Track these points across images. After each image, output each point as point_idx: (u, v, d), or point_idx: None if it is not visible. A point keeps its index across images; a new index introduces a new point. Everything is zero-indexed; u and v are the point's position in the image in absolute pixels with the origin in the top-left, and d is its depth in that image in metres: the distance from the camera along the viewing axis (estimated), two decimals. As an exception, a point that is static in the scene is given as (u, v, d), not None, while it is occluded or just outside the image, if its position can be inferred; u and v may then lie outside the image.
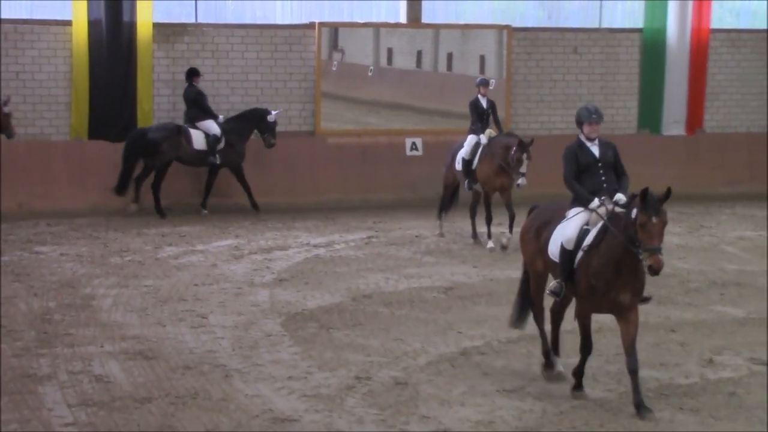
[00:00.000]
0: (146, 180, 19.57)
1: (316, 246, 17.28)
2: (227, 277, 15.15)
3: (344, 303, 13.82)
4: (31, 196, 19.44)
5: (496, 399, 10.34)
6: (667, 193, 9.54)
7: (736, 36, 23.17)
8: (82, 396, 10.26)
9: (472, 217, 18.07)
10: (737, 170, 22.70)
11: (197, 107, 19.67)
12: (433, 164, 21.09)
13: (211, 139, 19.49)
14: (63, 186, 19.61)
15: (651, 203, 9.46)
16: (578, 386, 10.29)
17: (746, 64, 23.18)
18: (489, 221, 17.37)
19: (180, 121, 19.77)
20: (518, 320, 11.50)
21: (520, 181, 16.74)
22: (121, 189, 19.44)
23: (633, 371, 9.93)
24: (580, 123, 10.44)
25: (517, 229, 14.28)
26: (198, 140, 19.53)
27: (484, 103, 17.88)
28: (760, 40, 23.19)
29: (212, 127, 19.56)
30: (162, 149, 19.35)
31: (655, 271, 9.43)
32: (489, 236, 17.36)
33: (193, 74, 19.77)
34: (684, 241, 17.46)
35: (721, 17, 23.32)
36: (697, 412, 10.08)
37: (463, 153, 17.56)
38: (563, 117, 21.86)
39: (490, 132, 17.61)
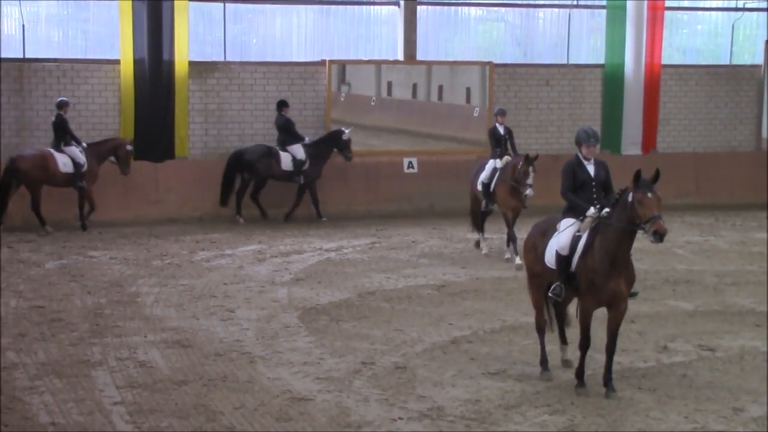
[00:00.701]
0: (245, 194, 19.83)
1: (327, 250, 17.20)
2: (252, 277, 15.08)
3: (351, 299, 13.75)
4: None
5: (481, 381, 10.26)
6: (656, 175, 9.46)
7: (683, 71, 23.10)
8: (128, 379, 10.20)
9: (478, 227, 17.31)
10: (685, 184, 22.62)
11: (287, 133, 19.73)
12: (427, 180, 21.08)
13: (297, 161, 19.60)
14: (112, 200, 19.53)
15: (644, 182, 9.38)
16: (582, 384, 9.98)
17: (692, 94, 23.12)
18: (513, 240, 16.30)
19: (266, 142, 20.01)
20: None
21: (528, 191, 16.05)
22: (223, 201, 19.69)
23: (610, 353, 9.84)
24: (578, 144, 10.27)
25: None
26: (286, 162, 19.62)
27: (501, 130, 17.10)
28: (704, 74, 23.14)
29: (299, 151, 19.65)
30: (256, 168, 19.56)
31: (660, 235, 9.24)
32: (515, 252, 16.01)
33: (282, 105, 19.87)
34: (641, 245, 17.32)
35: (670, 55, 23.26)
36: (653, 391, 10.01)
37: (482, 177, 16.83)
38: (537, 140, 21.78)
39: (507, 158, 16.73)
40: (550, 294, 10.21)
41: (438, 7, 22.03)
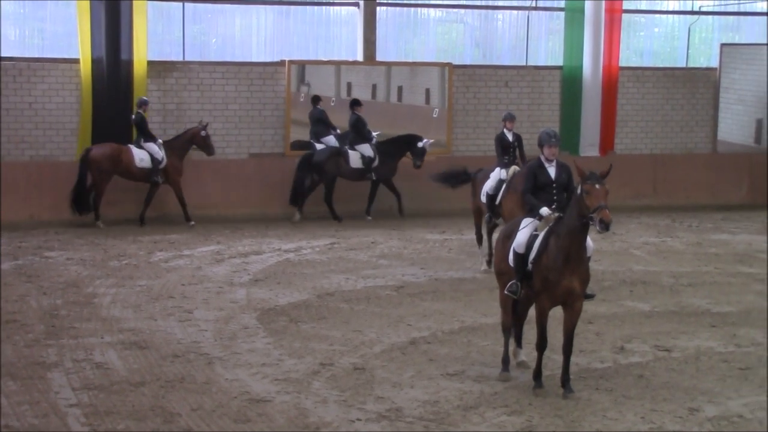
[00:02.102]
0: (310, 194, 20.11)
1: (286, 251, 17.14)
2: (210, 277, 14.99)
3: (310, 300, 13.71)
4: (41, 208, 19.20)
5: (440, 382, 10.27)
6: (608, 169, 9.56)
7: (640, 73, 23.24)
8: (84, 381, 10.11)
9: (479, 240, 16.05)
10: (643, 186, 22.77)
11: (356, 132, 19.91)
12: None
13: (366, 159, 19.81)
14: (68, 200, 19.33)
15: (592, 175, 9.49)
16: (539, 384, 10.00)
17: (649, 96, 23.26)
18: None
19: None
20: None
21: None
22: (293, 201, 19.97)
23: (567, 353, 9.88)
24: (540, 145, 10.30)
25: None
26: (355, 160, 19.81)
27: (509, 137, 15.61)
28: (661, 76, 23.29)
29: (366, 149, 19.81)
30: (324, 169, 19.75)
31: (605, 224, 9.32)
32: None
33: (355, 104, 20.03)
34: (598, 246, 17.40)
35: (628, 57, 23.39)
36: (611, 391, 10.06)
37: (487, 187, 15.45)
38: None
39: (515, 168, 15.31)
40: (506, 291, 10.25)
41: (397, 9, 22.02)
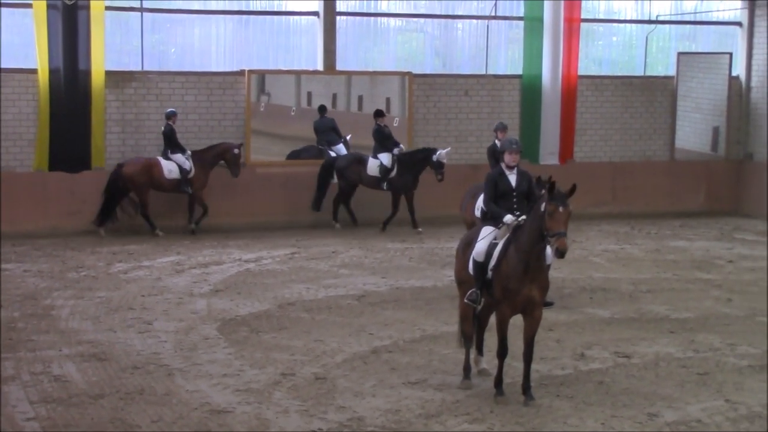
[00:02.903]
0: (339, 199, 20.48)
1: (247, 261, 17.09)
2: (170, 288, 14.92)
3: (271, 310, 13.67)
4: (-2, 220, 19.07)
5: (402, 390, 10.27)
6: (573, 189, 9.55)
7: (599, 81, 23.41)
8: (42, 394, 10.02)
9: None
10: (602, 194, 22.93)
11: (376, 141, 20.12)
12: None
13: (383, 168, 19.94)
14: (26, 211, 19.23)
15: (558, 195, 9.44)
16: (501, 392, 10.02)
17: (608, 104, 23.44)
18: None
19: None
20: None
21: None
22: (315, 206, 20.36)
23: (528, 361, 9.93)
24: (501, 152, 10.35)
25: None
26: (372, 167, 20.00)
27: None
28: (619, 85, 23.48)
29: (385, 159, 19.93)
30: (344, 174, 20.09)
31: (561, 252, 9.36)
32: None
33: (377, 115, 20.25)
34: (558, 254, 17.53)
35: (587, 66, 23.56)
36: (571, 398, 10.11)
37: (482, 202, 14.63)
38: (457, 149, 21.87)
39: None
40: (465, 300, 10.27)
41: (357, 18, 22.05)
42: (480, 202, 13.75)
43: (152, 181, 19.37)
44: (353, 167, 20.23)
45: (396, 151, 20.14)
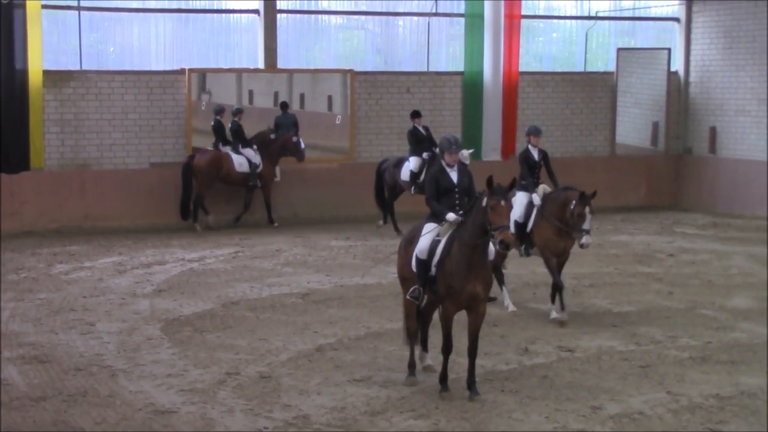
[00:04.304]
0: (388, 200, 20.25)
1: (190, 260, 17.01)
2: (112, 289, 14.81)
3: (215, 309, 13.63)
4: (-65, 222, 18.80)
5: (347, 388, 10.29)
6: (513, 183, 9.66)
7: (540, 78, 23.60)
8: (-17, 398, 9.90)
9: (500, 281, 13.75)
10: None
11: (412, 144, 19.55)
12: (290, 188, 21.02)
13: (411, 173, 19.47)
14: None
15: (498, 189, 9.53)
16: (446, 388, 10.07)
17: (549, 100, 23.64)
18: (560, 290, 13.16)
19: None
20: None
21: (584, 240, 12.60)
22: (380, 206, 20.37)
23: (472, 356, 9.99)
24: (442, 151, 10.41)
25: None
26: (405, 172, 19.59)
27: (535, 154, 13.68)
28: (560, 81, 23.69)
29: (413, 163, 19.46)
30: (384, 177, 20.02)
31: (506, 245, 9.43)
32: (563, 307, 13.10)
33: (414, 116, 19.79)
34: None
35: (527, 62, 23.74)
36: (516, 393, 10.19)
37: (515, 215, 13.13)
38: (399, 147, 21.92)
39: (544, 188, 13.54)
40: (408, 297, 10.31)
41: (298, 16, 22.02)
42: (514, 215, 13.04)
43: (221, 173, 19.96)
44: (391, 170, 19.82)
45: (425, 155, 19.36)
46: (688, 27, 24.21)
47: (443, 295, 9.95)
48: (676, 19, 24.40)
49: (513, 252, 12.75)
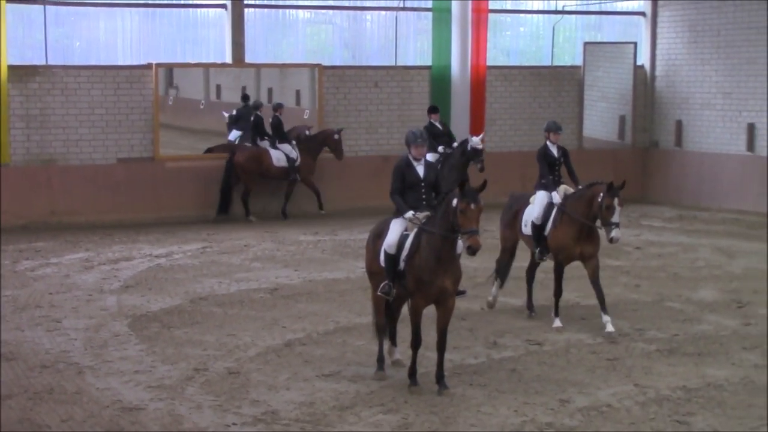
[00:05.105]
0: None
1: (157, 256, 16.91)
2: (79, 285, 14.70)
3: (183, 305, 13.55)
4: None
5: (316, 383, 10.26)
6: (483, 185, 9.62)
7: (507, 72, 23.63)
8: (-52, 396, 9.79)
9: (529, 283, 13.45)
10: (512, 183, 22.87)
11: (433, 138, 19.08)
12: (260, 183, 20.93)
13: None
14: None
15: (470, 192, 9.47)
16: (414, 382, 10.05)
17: (517, 95, 23.68)
18: (558, 295, 12.67)
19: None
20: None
21: (614, 233, 11.98)
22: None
23: (441, 350, 9.97)
24: (408, 144, 10.35)
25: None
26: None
27: (554, 151, 13.05)
28: (527, 75, 23.73)
29: (429, 159, 18.77)
30: None
31: (473, 250, 9.40)
32: (556, 313, 12.62)
33: (431, 111, 19.82)
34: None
35: (495, 56, 23.77)
36: (484, 386, 10.19)
37: (533, 216, 12.76)
38: (367, 141, 21.94)
39: (565, 188, 12.81)
40: (378, 292, 10.27)
41: (266, 10, 21.93)
42: (531, 216, 12.79)
43: (261, 169, 20.47)
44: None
45: (441, 149, 19.09)
46: (654, 21, 24.32)
47: (412, 290, 9.93)
48: (642, 14, 24.50)
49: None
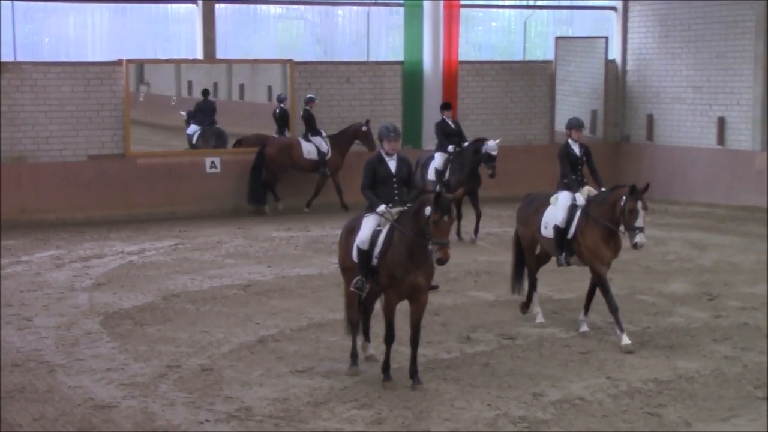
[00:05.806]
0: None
1: (129, 253, 16.85)
2: (50, 283, 14.62)
3: (156, 302, 13.51)
4: None
5: (289, 379, 10.27)
6: (462, 194, 9.63)
7: (479, 67, 23.67)
8: None
9: (532, 286, 12.78)
10: (485, 178, 23.10)
11: (440, 138, 18.60)
12: (231, 180, 20.95)
13: (435, 171, 18.56)
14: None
15: (444, 203, 9.48)
16: (388, 377, 10.07)
17: (489, 89, 23.72)
18: (615, 311, 11.61)
19: None
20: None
21: (638, 238, 11.36)
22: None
23: (414, 345, 9.99)
24: (380, 139, 10.36)
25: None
26: (431, 171, 18.48)
27: (576, 149, 12.44)
28: (499, 70, 23.78)
29: (438, 160, 18.42)
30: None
31: (443, 262, 9.47)
32: (621, 329, 11.46)
33: (445, 108, 18.71)
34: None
35: (467, 51, 23.80)
36: (458, 381, 10.22)
37: (557, 220, 12.04)
38: (340, 136, 21.89)
39: (589, 189, 12.24)
40: (351, 288, 10.27)
41: (237, 6, 21.88)
42: (554, 218, 12.14)
43: (292, 161, 20.71)
44: (419, 173, 18.12)
45: (450, 148, 18.18)
46: (625, 16, 24.43)
47: (385, 286, 9.94)
48: (613, 8, 24.60)
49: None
